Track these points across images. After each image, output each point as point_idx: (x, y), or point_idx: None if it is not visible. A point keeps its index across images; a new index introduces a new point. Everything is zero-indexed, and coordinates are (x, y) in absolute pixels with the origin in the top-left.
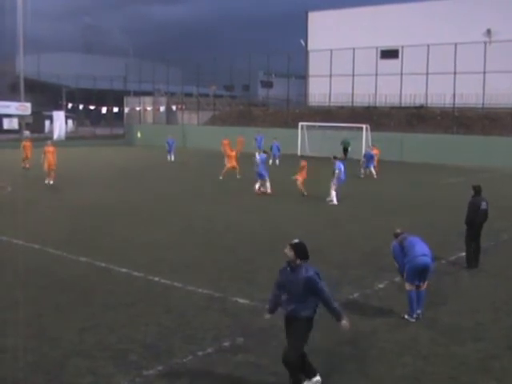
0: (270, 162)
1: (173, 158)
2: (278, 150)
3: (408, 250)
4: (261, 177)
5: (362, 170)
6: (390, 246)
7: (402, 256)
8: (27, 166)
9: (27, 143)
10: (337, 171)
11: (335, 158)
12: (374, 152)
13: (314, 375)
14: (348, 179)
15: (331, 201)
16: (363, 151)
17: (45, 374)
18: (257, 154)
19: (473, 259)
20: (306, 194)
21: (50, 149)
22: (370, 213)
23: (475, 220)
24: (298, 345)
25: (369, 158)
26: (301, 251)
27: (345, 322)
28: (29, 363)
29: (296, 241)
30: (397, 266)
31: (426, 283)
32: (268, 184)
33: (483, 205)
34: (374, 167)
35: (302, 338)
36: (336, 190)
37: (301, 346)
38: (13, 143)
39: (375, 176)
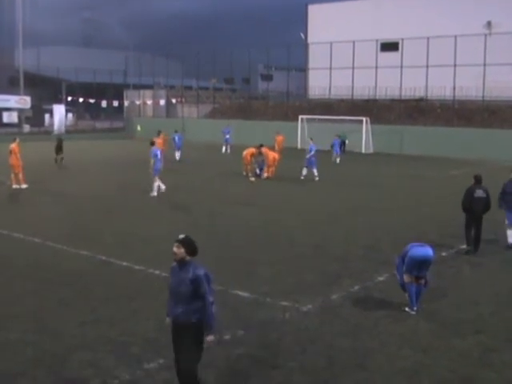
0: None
1: (178, 157)
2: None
3: (408, 248)
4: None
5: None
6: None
7: (402, 266)
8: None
9: (161, 138)
10: (152, 160)
11: (152, 144)
12: (268, 152)
13: None
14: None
15: (153, 193)
16: (363, 144)
17: (46, 368)
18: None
19: (472, 243)
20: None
21: (16, 147)
22: (369, 206)
23: (470, 207)
24: (192, 356)
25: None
26: (189, 246)
27: (211, 338)
28: (30, 357)
29: (182, 236)
30: (398, 278)
31: (423, 280)
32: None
33: (478, 193)
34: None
35: (194, 347)
36: (156, 181)
37: (196, 358)
38: (12, 137)
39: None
